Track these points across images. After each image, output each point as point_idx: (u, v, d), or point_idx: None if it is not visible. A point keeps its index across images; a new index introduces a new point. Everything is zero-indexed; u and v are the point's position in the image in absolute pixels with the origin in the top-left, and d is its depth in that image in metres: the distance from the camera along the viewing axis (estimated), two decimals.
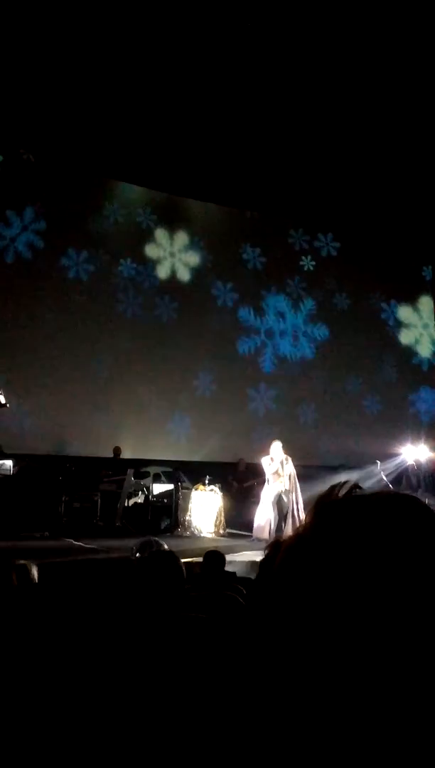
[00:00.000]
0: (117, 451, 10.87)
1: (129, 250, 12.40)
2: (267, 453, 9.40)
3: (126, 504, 9.77)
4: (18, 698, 1.67)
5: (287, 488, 9.13)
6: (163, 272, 12.77)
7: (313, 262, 13.99)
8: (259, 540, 8.86)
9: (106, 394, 11.60)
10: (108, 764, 1.32)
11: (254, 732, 0.64)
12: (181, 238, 13.06)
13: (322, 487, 0.72)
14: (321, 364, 13.67)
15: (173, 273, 12.89)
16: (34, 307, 11.28)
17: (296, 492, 9.15)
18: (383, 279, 14.39)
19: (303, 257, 13.97)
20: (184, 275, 12.99)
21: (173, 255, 12.97)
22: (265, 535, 8.97)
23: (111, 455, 10.87)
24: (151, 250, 12.73)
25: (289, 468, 9.26)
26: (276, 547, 0.68)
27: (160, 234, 12.86)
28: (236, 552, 7.72)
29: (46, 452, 10.43)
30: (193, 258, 13.11)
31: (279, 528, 8.88)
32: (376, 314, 14.48)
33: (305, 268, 13.95)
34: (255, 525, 9.33)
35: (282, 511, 9.08)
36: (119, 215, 12.37)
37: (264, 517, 9.22)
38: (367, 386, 13.95)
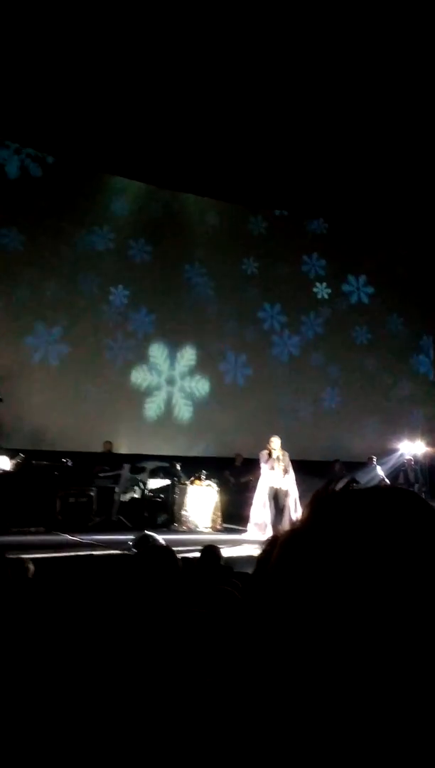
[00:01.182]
0: (108, 446, 10.83)
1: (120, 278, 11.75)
2: (265, 447, 9.41)
3: (122, 499, 9.77)
4: (13, 693, 1.67)
5: (283, 483, 9.14)
6: (152, 411, 11.46)
7: (329, 290, 13.49)
8: (256, 535, 8.87)
9: (103, 390, 11.57)
10: (105, 759, 1.32)
11: (252, 726, 0.63)
12: (188, 355, 11.72)
13: (318, 482, 0.72)
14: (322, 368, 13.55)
15: (169, 409, 11.57)
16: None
17: (292, 487, 9.16)
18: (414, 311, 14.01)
19: (318, 283, 13.43)
20: (184, 414, 11.79)
21: (172, 382, 11.75)
22: (262, 530, 8.98)
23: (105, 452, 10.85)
24: (138, 376, 11.40)
25: (286, 463, 9.27)
26: (273, 542, 0.68)
27: (157, 350, 11.57)
28: (233, 546, 7.71)
29: (41, 447, 10.41)
30: (202, 385, 11.78)
31: (276, 523, 8.89)
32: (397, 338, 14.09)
33: (319, 296, 13.45)
34: (251, 520, 9.34)
35: (278, 506, 9.09)
36: (109, 240, 11.71)
37: (260, 512, 9.23)
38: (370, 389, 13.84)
